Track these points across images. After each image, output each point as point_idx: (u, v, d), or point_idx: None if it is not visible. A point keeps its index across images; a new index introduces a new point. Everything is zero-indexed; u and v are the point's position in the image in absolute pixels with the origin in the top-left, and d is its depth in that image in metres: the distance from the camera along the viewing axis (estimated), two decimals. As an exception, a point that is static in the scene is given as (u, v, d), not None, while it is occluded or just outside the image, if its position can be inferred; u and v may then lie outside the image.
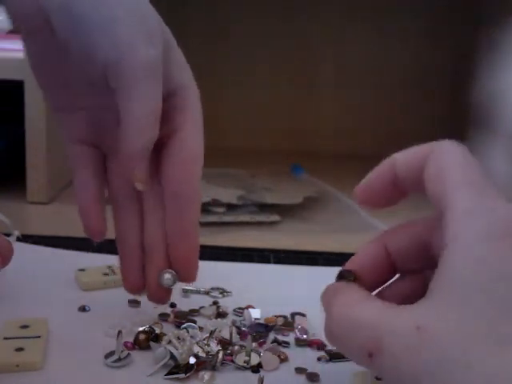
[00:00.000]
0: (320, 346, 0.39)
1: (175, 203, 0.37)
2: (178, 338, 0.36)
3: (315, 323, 0.42)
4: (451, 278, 0.26)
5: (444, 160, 0.29)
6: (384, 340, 0.26)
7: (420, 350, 0.25)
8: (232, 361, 0.36)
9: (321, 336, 0.40)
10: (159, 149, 0.37)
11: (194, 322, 0.41)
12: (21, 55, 0.65)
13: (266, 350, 0.38)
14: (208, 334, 0.38)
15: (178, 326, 0.40)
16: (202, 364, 0.36)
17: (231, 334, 0.38)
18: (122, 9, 0.35)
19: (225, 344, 0.38)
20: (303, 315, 0.43)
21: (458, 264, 0.26)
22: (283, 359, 0.37)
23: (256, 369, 0.36)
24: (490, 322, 0.24)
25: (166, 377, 0.34)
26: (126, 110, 0.35)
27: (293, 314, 0.43)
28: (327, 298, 0.31)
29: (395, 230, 0.33)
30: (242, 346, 0.37)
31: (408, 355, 0.25)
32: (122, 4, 0.35)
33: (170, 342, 0.36)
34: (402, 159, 0.31)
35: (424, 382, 0.25)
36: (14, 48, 0.67)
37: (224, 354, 0.36)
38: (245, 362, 0.36)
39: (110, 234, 0.59)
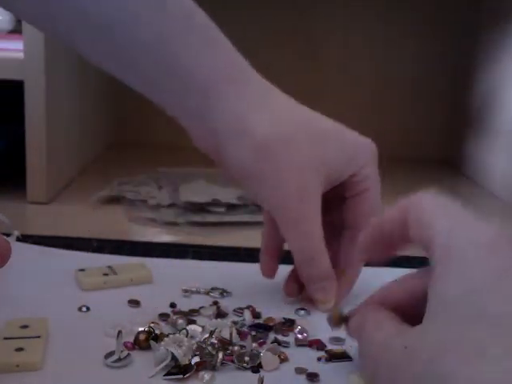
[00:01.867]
0: (320, 346, 0.39)
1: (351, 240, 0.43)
2: (176, 343, 0.36)
3: (316, 323, 0.42)
4: (435, 302, 0.28)
5: (422, 206, 0.32)
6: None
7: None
8: (232, 361, 0.36)
9: (321, 336, 0.40)
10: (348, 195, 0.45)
11: (194, 321, 0.41)
12: (21, 55, 0.65)
13: (266, 350, 0.38)
14: (208, 335, 0.38)
15: (178, 328, 0.40)
16: (202, 364, 0.36)
17: (231, 334, 0.38)
18: None
19: (225, 344, 0.38)
20: (306, 310, 0.44)
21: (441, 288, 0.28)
22: (283, 359, 0.37)
23: (256, 369, 0.36)
24: (464, 332, 0.25)
25: (165, 377, 0.34)
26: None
27: (297, 310, 0.44)
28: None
29: (391, 287, 0.34)
30: (241, 346, 0.37)
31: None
32: None
33: (169, 344, 0.36)
34: (387, 218, 0.34)
35: None
36: (14, 48, 0.67)
37: (224, 354, 0.36)
38: (245, 362, 0.36)
39: (110, 234, 0.59)
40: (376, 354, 0.30)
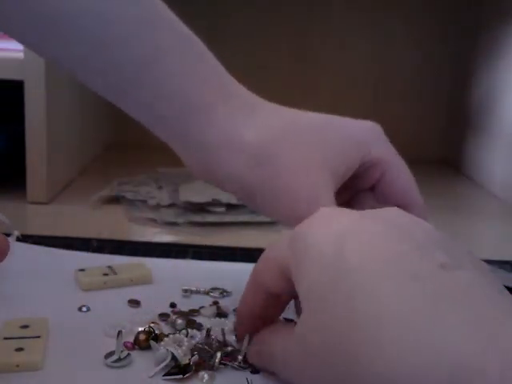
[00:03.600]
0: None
1: None
2: (176, 343, 0.36)
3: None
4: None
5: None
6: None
7: None
8: (230, 361, 0.36)
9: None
10: (372, 185, 0.42)
11: (194, 321, 0.41)
12: (21, 55, 0.65)
13: None
14: (206, 335, 0.38)
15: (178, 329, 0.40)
16: (201, 364, 0.36)
17: (223, 335, 0.38)
18: None
19: (223, 344, 0.38)
20: None
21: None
22: None
23: (255, 370, 0.36)
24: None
25: (165, 377, 0.34)
26: None
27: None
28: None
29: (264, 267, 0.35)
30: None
31: None
32: None
33: (169, 344, 0.36)
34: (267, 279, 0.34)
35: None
36: (14, 48, 0.67)
37: (222, 355, 0.36)
38: (239, 362, 0.36)
39: (110, 234, 0.59)
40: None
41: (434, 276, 0.25)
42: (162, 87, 0.40)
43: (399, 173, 0.41)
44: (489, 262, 0.56)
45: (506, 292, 0.26)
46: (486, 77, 0.92)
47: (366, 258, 0.27)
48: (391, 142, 0.43)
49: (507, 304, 0.25)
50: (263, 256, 0.35)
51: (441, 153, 1.05)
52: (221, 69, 0.42)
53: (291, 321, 0.40)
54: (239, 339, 0.38)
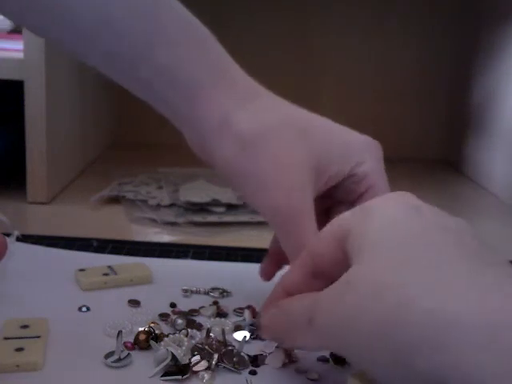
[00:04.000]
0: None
1: None
2: (176, 343, 0.36)
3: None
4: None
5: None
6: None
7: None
8: (228, 362, 0.36)
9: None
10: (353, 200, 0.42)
11: (194, 321, 0.41)
12: (21, 55, 0.65)
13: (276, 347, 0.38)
14: (206, 335, 0.38)
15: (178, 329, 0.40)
16: (199, 364, 0.35)
17: (224, 335, 0.38)
18: None
19: (221, 344, 0.38)
20: None
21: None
22: (292, 361, 0.37)
23: (253, 371, 0.36)
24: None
25: (163, 378, 0.34)
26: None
27: None
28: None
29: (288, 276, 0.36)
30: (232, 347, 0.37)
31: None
32: None
33: (169, 344, 0.36)
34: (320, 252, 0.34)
35: None
36: (14, 48, 0.67)
37: (220, 355, 0.36)
38: (235, 363, 0.36)
39: (110, 234, 0.59)
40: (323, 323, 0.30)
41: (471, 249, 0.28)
42: (161, 68, 0.40)
43: (382, 190, 0.42)
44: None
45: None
46: (486, 77, 0.92)
47: (424, 233, 0.29)
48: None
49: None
50: (323, 230, 0.35)
51: (441, 153, 1.05)
52: (223, 54, 0.42)
53: None
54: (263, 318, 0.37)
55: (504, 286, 0.26)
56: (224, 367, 0.36)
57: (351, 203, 0.42)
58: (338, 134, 0.42)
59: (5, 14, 0.41)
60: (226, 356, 0.36)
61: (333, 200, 0.43)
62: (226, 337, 0.38)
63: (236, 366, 0.36)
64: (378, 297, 0.27)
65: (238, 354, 0.37)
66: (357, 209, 0.33)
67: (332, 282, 0.32)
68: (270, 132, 0.40)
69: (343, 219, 0.33)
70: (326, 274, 0.34)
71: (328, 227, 0.34)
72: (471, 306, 0.25)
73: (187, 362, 0.35)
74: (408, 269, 0.27)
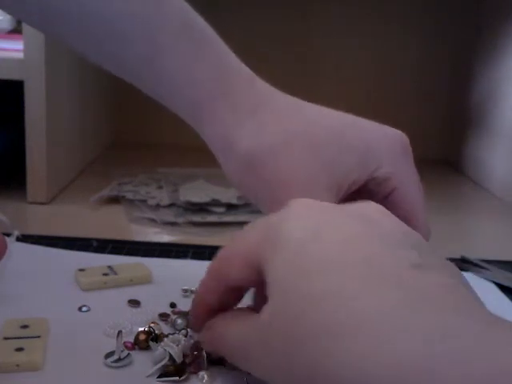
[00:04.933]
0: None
1: None
2: (175, 343, 0.36)
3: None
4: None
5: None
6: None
7: None
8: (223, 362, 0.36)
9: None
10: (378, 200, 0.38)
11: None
12: (21, 55, 0.65)
13: None
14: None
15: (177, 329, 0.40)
16: (194, 364, 0.35)
17: None
18: None
19: None
20: None
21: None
22: None
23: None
24: None
25: (159, 379, 0.34)
26: None
27: None
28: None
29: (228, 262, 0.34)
30: None
31: None
32: None
33: (168, 344, 0.36)
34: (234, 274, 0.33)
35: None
36: (14, 48, 0.67)
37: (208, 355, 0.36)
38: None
39: (110, 234, 0.59)
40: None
41: (404, 278, 0.25)
42: (162, 83, 0.39)
43: (408, 194, 0.39)
44: (489, 261, 0.56)
45: (473, 293, 0.26)
46: (486, 77, 0.92)
47: (337, 256, 0.27)
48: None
49: (470, 307, 0.25)
50: (228, 248, 0.33)
51: (441, 153, 1.05)
52: (228, 61, 0.40)
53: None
54: (195, 331, 0.37)
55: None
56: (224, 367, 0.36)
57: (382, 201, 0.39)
58: (351, 139, 0.38)
59: None
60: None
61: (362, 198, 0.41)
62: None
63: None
64: (297, 350, 0.26)
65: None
66: (263, 231, 0.31)
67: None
68: (273, 149, 0.37)
69: (249, 244, 0.31)
70: (244, 287, 0.34)
71: (233, 249, 0.33)
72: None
73: (185, 361, 0.35)
74: (305, 323, 0.26)
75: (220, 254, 0.34)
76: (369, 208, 0.31)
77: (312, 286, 0.26)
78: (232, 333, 0.32)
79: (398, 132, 0.41)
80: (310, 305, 0.26)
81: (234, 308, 0.35)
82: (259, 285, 0.31)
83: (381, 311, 0.24)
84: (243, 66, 0.41)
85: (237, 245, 0.33)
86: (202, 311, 0.35)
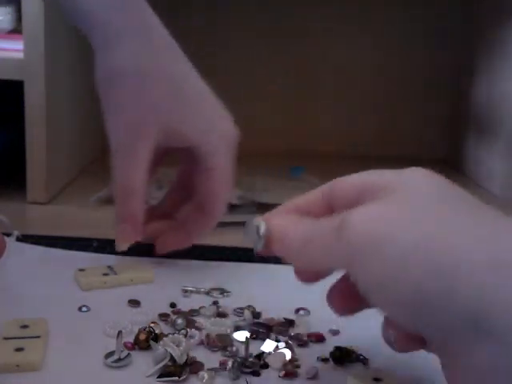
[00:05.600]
0: (320, 339, 0.40)
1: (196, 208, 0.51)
2: (175, 343, 0.36)
3: (317, 322, 0.42)
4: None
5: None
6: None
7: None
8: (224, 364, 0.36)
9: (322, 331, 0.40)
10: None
11: (194, 321, 0.41)
12: (21, 55, 0.65)
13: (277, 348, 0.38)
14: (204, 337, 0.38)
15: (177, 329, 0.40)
16: (196, 365, 0.36)
17: (247, 347, 0.37)
18: None
19: (221, 346, 0.38)
20: (306, 309, 0.44)
21: None
22: (292, 361, 0.37)
23: (257, 372, 0.36)
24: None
25: (159, 380, 0.34)
26: None
27: (297, 309, 0.44)
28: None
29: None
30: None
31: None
32: None
33: (167, 344, 0.36)
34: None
35: None
36: (14, 48, 0.67)
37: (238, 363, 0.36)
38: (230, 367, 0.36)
39: (110, 234, 0.59)
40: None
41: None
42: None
43: (221, 179, 0.48)
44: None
45: None
46: (486, 77, 0.92)
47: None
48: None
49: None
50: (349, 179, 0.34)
51: (441, 153, 1.05)
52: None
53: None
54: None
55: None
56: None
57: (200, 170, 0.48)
58: (202, 104, 0.47)
59: None
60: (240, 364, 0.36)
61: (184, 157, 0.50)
62: (226, 337, 0.39)
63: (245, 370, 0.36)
64: (405, 229, 0.28)
65: (250, 361, 0.37)
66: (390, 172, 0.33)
67: None
68: (117, 78, 0.46)
69: (380, 176, 0.33)
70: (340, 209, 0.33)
71: (349, 179, 0.34)
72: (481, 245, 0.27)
73: (186, 362, 0.35)
74: (427, 217, 0.28)
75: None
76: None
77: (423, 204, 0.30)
78: (322, 220, 0.31)
79: (236, 131, 0.48)
80: (418, 211, 0.29)
81: None
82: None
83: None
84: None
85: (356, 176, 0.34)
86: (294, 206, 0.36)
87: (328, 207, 0.34)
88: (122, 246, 0.46)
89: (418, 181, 0.32)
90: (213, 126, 0.47)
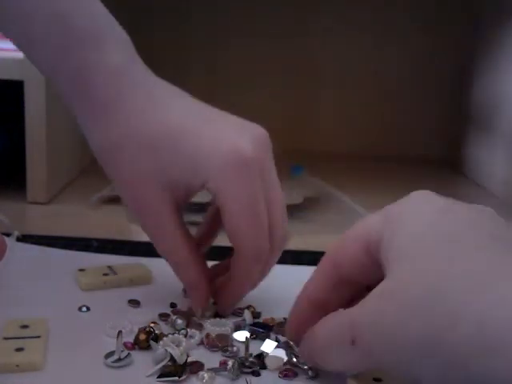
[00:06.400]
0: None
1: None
2: (175, 343, 0.36)
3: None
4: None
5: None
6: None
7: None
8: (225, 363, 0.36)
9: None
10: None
11: (194, 321, 0.41)
12: (21, 55, 0.65)
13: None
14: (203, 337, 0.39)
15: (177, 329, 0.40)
16: (196, 365, 0.35)
17: (247, 346, 0.37)
18: None
19: (221, 346, 0.38)
20: None
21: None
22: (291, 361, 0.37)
23: (257, 372, 0.36)
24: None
25: (159, 380, 0.34)
26: None
27: None
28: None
29: (342, 246, 0.35)
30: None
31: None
32: None
33: (167, 344, 0.36)
34: (344, 259, 0.34)
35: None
36: (14, 48, 0.67)
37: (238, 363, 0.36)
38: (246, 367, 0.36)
39: (110, 234, 0.59)
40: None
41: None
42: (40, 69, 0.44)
43: (229, 214, 0.39)
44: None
45: None
46: (487, 77, 0.92)
47: (459, 232, 0.29)
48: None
49: None
50: (347, 234, 0.34)
51: (441, 153, 1.05)
52: (93, 55, 0.41)
53: None
54: (290, 339, 0.37)
55: None
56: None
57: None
58: (187, 145, 0.39)
59: None
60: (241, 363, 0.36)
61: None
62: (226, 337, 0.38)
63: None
64: (422, 308, 0.27)
65: (250, 361, 0.37)
66: (384, 214, 0.32)
67: (358, 289, 0.33)
68: (113, 150, 0.41)
69: (371, 226, 0.33)
70: (353, 281, 0.34)
71: (352, 233, 0.34)
72: None
73: (186, 361, 0.35)
74: (447, 277, 0.27)
75: (335, 242, 0.35)
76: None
77: (433, 261, 0.28)
78: (334, 324, 0.32)
79: (237, 148, 0.38)
80: (433, 275, 0.27)
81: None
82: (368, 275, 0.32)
83: (499, 269, 0.26)
84: (119, 57, 0.41)
85: (357, 227, 0.34)
86: (302, 307, 0.36)
87: (338, 282, 0.35)
88: (198, 311, 0.42)
89: (418, 218, 0.31)
90: (207, 159, 0.39)
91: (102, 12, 0.42)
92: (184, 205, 0.42)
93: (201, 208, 0.67)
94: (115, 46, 0.41)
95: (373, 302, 0.29)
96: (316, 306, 0.35)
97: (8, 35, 0.43)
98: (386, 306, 0.28)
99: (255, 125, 0.41)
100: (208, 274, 0.43)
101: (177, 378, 0.34)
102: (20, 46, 0.43)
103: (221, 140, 0.39)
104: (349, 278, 0.34)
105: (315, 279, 0.36)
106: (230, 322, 0.41)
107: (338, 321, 0.31)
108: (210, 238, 0.46)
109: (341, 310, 0.32)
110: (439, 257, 0.28)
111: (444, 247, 0.28)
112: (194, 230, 0.62)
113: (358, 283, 0.34)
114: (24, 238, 0.53)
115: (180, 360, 0.35)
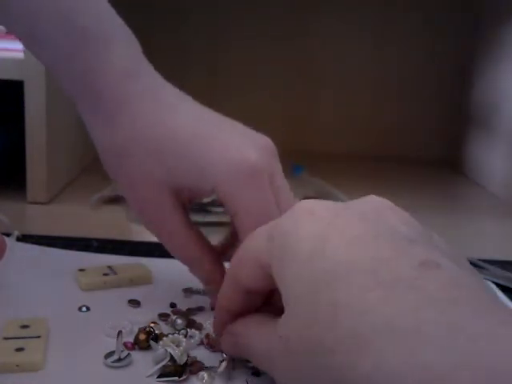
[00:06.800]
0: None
1: None
2: (175, 343, 0.36)
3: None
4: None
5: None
6: None
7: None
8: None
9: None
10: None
11: (194, 321, 0.41)
12: (21, 55, 0.65)
13: None
14: (204, 337, 0.38)
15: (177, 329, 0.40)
16: (196, 365, 0.35)
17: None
18: None
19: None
20: None
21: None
22: None
23: (257, 372, 0.36)
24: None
25: (159, 380, 0.34)
26: None
27: None
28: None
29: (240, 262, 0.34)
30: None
31: None
32: None
33: (167, 344, 0.36)
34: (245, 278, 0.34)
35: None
36: (14, 48, 0.67)
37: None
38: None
39: (110, 234, 0.59)
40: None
41: (413, 279, 0.25)
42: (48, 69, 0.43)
43: (242, 222, 0.39)
44: (489, 261, 0.56)
45: (482, 284, 0.26)
46: (486, 76, 0.92)
47: (346, 261, 0.27)
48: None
49: (480, 303, 0.24)
50: (239, 252, 0.34)
51: (441, 153, 1.05)
52: (101, 56, 0.40)
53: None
54: (218, 335, 0.37)
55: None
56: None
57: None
58: (195, 150, 0.39)
59: None
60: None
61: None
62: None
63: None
64: (316, 357, 0.26)
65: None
66: (270, 234, 0.31)
67: (267, 295, 0.34)
68: (120, 154, 0.40)
69: (258, 249, 0.32)
70: (258, 291, 0.34)
71: (244, 253, 0.33)
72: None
73: (185, 362, 0.35)
74: (333, 327, 0.25)
75: (234, 257, 0.35)
76: (372, 203, 0.31)
77: (321, 296, 0.26)
78: (256, 343, 0.32)
79: (246, 154, 0.38)
80: (327, 318, 0.26)
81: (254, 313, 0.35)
82: (271, 289, 0.32)
83: (399, 316, 0.24)
84: (126, 59, 0.41)
85: (247, 247, 0.34)
86: (222, 317, 0.36)
87: (246, 293, 0.34)
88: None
89: (301, 246, 0.29)
90: (216, 165, 0.38)
91: (109, 12, 0.41)
92: (189, 205, 0.42)
93: (201, 208, 0.67)
94: (122, 47, 0.41)
95: (274, 340, 0.29)
96: (235, 315, 0.35)
97: (14, 33, 0.43)
98: (285, 350, 0.28)
99: (260, 134, 0.41)
100: (223, 269, 0.43)
101: (177, 378, 0.34)
102: (26, 45, 0.43)
103: (229, 146, 0.39)
104: (252, 290, 0.34)
105: (225, 290, 0.36)
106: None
107: (261, 346, 0.32)
108: (232, 248, 0.45)
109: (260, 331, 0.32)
110: (320, 307, 0.26)
111: (324, 293, 0.26)
112: (194, 230, 0.63)
113: (263, 291, 0.34)
114: (24, 238, 0.53)
115: (180, 360, 0.35)
